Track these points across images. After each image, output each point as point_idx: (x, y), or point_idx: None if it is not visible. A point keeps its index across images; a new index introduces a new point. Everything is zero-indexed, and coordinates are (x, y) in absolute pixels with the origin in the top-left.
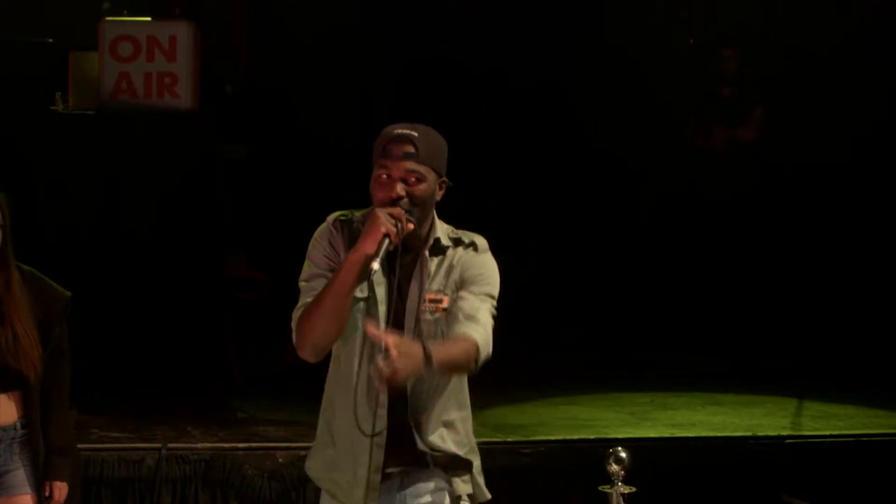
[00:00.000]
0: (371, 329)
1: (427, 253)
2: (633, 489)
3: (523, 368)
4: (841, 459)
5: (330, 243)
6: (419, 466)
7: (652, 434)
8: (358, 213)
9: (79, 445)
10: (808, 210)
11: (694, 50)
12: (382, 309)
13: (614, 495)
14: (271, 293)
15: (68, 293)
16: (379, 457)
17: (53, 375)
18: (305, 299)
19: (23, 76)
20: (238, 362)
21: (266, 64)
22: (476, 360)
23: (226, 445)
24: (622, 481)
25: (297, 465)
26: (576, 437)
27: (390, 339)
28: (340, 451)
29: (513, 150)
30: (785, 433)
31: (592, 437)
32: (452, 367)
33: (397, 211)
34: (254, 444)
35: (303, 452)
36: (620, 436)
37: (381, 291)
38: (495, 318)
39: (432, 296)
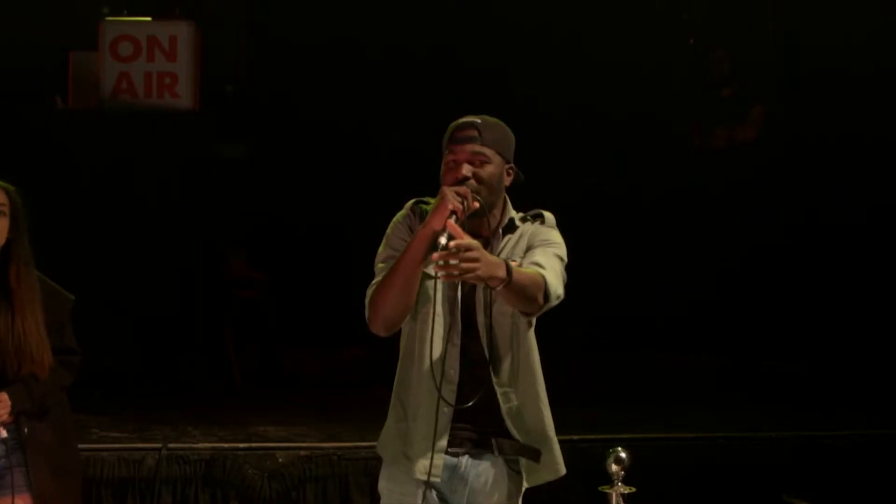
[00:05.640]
0: (451, 224)
1: (501, 231)
2: (633, 489)
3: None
4: (841, 459)
5: (409, 227)
6: (484, 449)
7: (652, 434)
8: (433, 200)
9: (79, 445)
10: (809, 209)
11: (694, 50)
12: (444, 287)
13: (614, 495)
14: (271, 292)
15: (72, 297)
16: (446, 433)
17: (58, 374)
18: (378, 278)
19: (23, 76)
20: (238, 362)
21: (266, 64)
22: (545, 295)
23: (226, 445)
24: (622, 481)
25: (298, 465)
26: (576, 436)
27: (464, 236)
28: (413, 426)
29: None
30: (785, 433)
31: (592, 436)
32: (524, 292)
33: (463, 189)
34: (254, 444)
35: (303, 453)
36: (620, 436)
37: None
38: (565, 280)
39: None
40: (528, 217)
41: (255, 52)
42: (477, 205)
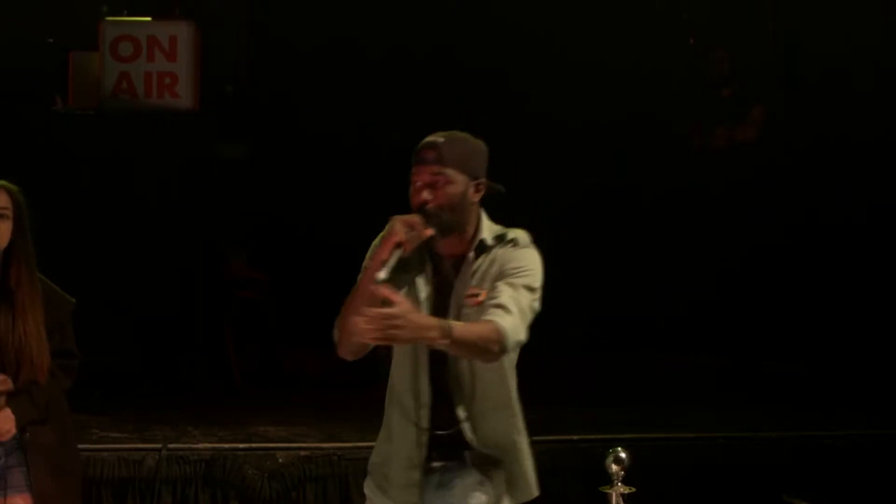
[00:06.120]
0: (382, 290)
1: (472, 254)
2: (633, 489)
3: (525, 368)
4: (841, 459)
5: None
6: (459, 463)
7: (652, 434)
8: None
9: (79, 446)
10: (809, 209)
11: (694, 50)
12: (425, 310)
13: (614, 495)
14: (271, 292)
15: (73, 299)
16: (421, 454)
17: (59, 378)
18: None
19: (23, 76)
20: (238, 362)
21: (266, 64)
22: (501, 344)
23: (226, 446)
24: (622, 481)
25: (298, 466)
26: (576, 436)
27: (400, 302)
28: (393, 447)
29: (513, 149)
30: (785, 433)
31: (592, 436)
32: (471, 348)
33: (412, 219)
34: (254, 445)
35: (303, 453)
36: (620, 436)
37: (423, 293)
38: (536, 311)
39: (472, 291)
40: (504, 237)
41: (255, 52)
42: (429, 233)
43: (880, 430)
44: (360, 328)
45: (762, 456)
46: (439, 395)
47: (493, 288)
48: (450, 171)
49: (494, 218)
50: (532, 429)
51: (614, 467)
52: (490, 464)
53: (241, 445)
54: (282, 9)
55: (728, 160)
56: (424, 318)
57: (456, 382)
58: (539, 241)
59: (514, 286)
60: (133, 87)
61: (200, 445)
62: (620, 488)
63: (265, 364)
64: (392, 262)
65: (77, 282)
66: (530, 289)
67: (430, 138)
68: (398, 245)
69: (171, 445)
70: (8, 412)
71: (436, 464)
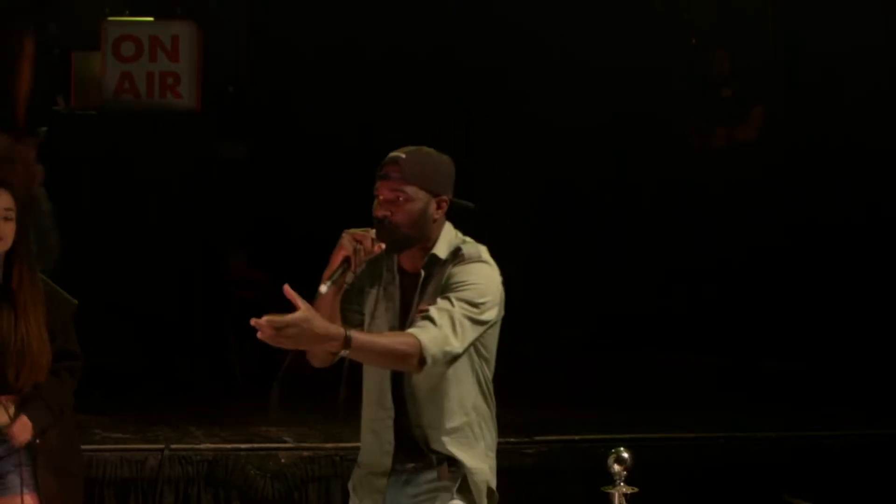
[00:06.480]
0: (287, 290)
1: (423, 271)
2: (636, 489)
3: (525, 368)
4: (841, 459)
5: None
6: (425, 466)
7: (652, 434)
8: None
9: (82, 446)
10: (809, 210)
11: (695, 50)
12: (382, 325)
13: (616, 495)
14: (271, 292)
15: (75, 301)
16: (386, 462)
17: (59, 378)
18: None
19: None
20: (240, 362)
21: (267, 64)
22: (419, 358)
23: (228, 446)
24: (624, 481)
25: (300, 466)
26: (578, 437)
27: (301, 307)
28: (362, 453)
29: (512, 150)
30: (785, 433)
31: (594, 437)
32: (382, 359)
33: (360, 234)
34: (256, 445)
35: (306, 453)
36: (621, 436)
37: (380, 309)
38: (475, 321)
39: (423, 307)
40: (458, 251)
41: (257, 53)
42: (378, 249)
43: (880, 430)
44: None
45: (763, 456)
46: (401, 404)
47: (434, 303)
48: (410, 189)
49: (491, 219)
50: (532, 429)
51: (616, 467)
52: (454, 469)
53: (244, 446)
54: (283, 9)
55: (728, 160)
56: (324, 326)
57: (411, 393)
58: (539, 242)
59: (451, 300)
60: (135, 88)
61: (203, 446)
62: (623, 488)
63: (266, 364)
64: (336, 275)
65: (78, 282)
66: (470, 302)
67: (393, 154)
68: (345, 259)
69: (173, 446)
70: (25, 420)
71: (401, 466)
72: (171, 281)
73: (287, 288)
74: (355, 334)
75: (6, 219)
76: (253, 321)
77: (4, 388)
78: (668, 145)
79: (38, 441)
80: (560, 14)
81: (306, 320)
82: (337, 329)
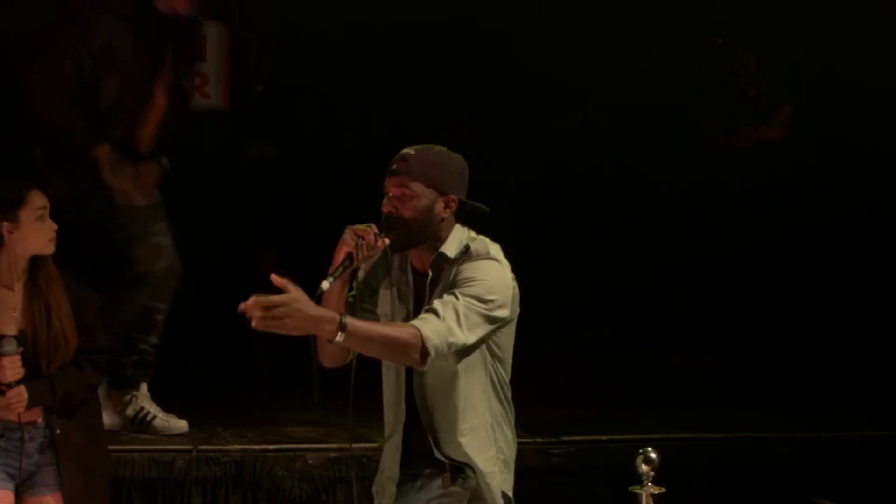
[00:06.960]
0: (274, 277)
1: (430, 270)
2: (663, 490)
3: (552, 368)
4: (871, 459)
5: None
6: (437, 471)
7: (681, 435)
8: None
9: (109, 447)
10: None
11: (722, 50)
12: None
13: (644, 496)
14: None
15: (99, 297)
16: (395, 466)
17: (86, 372)
18: None
19: None
20: (268, 363)
21: (296, 63)
22: (420, 350)
23: (256, 447)
24: (652, 482)
25: (327, 467)
26: (605, 437)
27: (292, 290)
28: (382, 459)
29: (538, 150)
30: (812, 433)
31: (622, 437)
32: (380, 348)
33: (363, 229)
34: (284, 446)
35: (333, 454)
36: (650, 436)
37: (394, 309)
38: (484, 316)
39: (430, 305)
40: (467, 249)
41: (285, 52)
42: (383, 244)
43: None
44: (249, 313)
45: (791, 456)
46: (413, 409)
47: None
48: (416, 186)
49: (514, 214)
50: (562, 429)
51: (644, 467)
52: (467, 473)
53: (272, 447)
54: (311, 8)
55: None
56: (318, 310)
57: (423, 395)
58: (554, 243)
59: (457, 295)
60: None
61: (230, 447)
62: (651, 488)
63: (294, 365)
64: (338, 271)
65: (105, 282)
66: (478, 298)
67: (403, 151)
68: (348, 255)
69: (201, 447)
70: (22, 389)
71: (415, 472)
72: (197, 280)
73: (274, 276)
74: (351, 319)
75: (44, 217)
76: (241, 306)
77: (38, 376)
78: (691, 144)
79: (57, 434)
80: (587, 14)
81: (296, 300)
82: (332, 313)
